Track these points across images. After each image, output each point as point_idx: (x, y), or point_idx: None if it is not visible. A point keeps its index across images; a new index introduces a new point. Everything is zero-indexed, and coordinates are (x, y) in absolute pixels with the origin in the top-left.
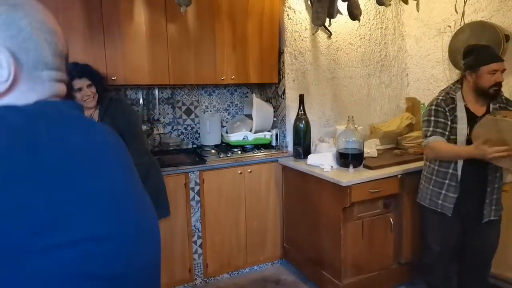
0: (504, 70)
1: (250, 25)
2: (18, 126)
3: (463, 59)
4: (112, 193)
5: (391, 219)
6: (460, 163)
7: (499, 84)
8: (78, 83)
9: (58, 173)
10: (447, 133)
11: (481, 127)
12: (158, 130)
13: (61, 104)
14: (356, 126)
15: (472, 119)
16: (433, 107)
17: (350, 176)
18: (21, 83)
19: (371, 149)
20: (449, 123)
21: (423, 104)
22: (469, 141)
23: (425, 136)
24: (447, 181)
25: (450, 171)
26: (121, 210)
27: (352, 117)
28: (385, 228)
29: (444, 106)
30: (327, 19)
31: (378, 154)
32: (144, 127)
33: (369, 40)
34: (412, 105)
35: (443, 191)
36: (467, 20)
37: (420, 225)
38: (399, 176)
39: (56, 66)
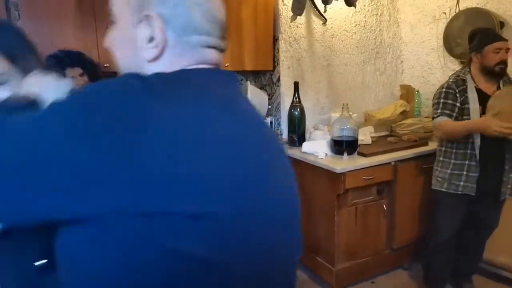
0: (508, 49)
1: (245, 12)
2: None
3: (469, 44)
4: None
5: (384, 206)
6: (477, 142)
7: (504, 62)
8: (70, 72)
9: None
10: (454, 114)
11: (495, 99)
12: None
13: (209, 72)
14: (350, 113)
15: (484, 99)
16: (444, 90)
17: (344, 163)
18: (170, 48)
19: (365, 136)
20: (458, 104)
21: (417, 91)
22: None
23: (433, 118)
24: (467, 162)
25: (469, 151)
26: (239, 191)
27: (347, 104)
28: (378, 214)
29: (454, 87)
30: (323, 5)
31: (372, 141)
32: None
33: (364, 26)
34: (407, 92)
35: (464, 172)
36: (462, 6)
37: (430, 212)
38: (392, 163)
39: (207, 31)
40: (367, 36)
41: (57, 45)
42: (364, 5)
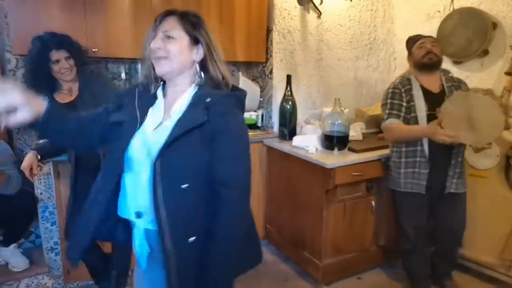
0: (433, 42)
1: (238, 1)
2: None
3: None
4: None
5: (372, 202)
6: (425, 139)
7: (430, 52)
8: (55, 54)
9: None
10: (402, 114)
11: (450, 102)
12: None
13: None
14: (342, 108)
15: (428, 96)
16: (390, 90)
17: (334, 159)
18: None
19: (356, 132)
20: (404, 104)
21: None
22: (431, 117)
23: (383, 120)
24: (418, 158)
25: (418, 148)
26: None
27: (339, 99)
28: (366, 210)
29: (400, 87)
30: None
31: (363, 137)
32: None
33: (358, 22)
34: None
35: (416, 169)
36: (457, 5)
37: (395, 212)
38: (382, 160)
39: None
40: (361, 32)
41: (43, 27)
42: (359, 0)
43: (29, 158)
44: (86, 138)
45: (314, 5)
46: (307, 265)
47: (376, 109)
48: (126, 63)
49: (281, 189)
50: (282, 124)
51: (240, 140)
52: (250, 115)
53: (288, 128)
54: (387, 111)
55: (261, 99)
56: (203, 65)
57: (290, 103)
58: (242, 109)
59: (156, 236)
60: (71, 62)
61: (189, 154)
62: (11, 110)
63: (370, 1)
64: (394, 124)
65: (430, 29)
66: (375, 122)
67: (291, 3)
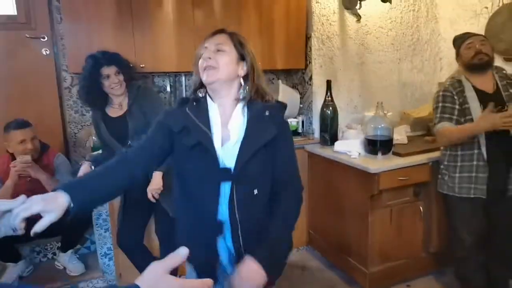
0: (482, 41)
1: (277, 10)
2: None
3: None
4: None
5: (420, 207)
6: (482, 140)
7: (480, 52)
8: (106, 70)
9: None
10: (454, 117)
11: None
12: None
13: None
14: (385, 112)
15: (483, 96)
16: (441, 93)
17: (378, 163)
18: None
19: (401, 135)
20: (457, 106)
21: None
22: None
23: (434, 124)
24: (475, 162)
25: (475, 151)
26: None
27: (381, 103)
28: (414, 216)
29: (451, 90)
30: (358, 2)
31: (408, 141)
32: None
33: (400, 23)
34: None
35: (473, 174)
36: (506, 0)
37: (448, 217)
38: (430, 163)
39: None
40: (403, 33)
41: (95, 46)
42: (400, 1)
43: (84, 168)
44: (134, 171)
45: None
46: (353, 272)
47: (422, 111)
48: (171, 76)
49: (324, 194)
50: (323, 129)
51: (292, 142)
52: (290, 122)
53: (330, 134)
54: (438, 115)
55: (301, 105)
56: (246, 80)
57: (330, 108)
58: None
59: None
60: (121, 77)
61: (261, 164)
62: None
63: (412, 1)
64: (445, 127)
65: (477, 26)
66: (421, 125)
67: (329, 9)
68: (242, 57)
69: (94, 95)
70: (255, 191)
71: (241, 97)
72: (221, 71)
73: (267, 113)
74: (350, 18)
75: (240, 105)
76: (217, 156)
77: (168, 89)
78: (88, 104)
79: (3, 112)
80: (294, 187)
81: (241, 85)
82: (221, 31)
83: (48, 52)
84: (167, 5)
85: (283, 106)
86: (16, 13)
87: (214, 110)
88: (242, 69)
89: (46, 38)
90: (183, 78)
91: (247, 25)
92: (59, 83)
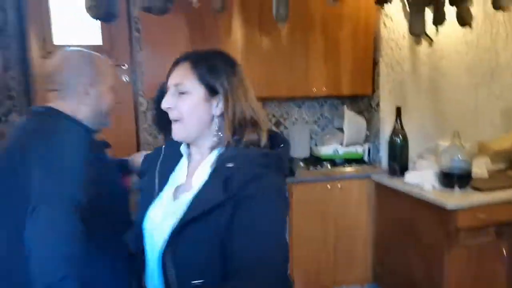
0: None
1: (344, 35)
2: None
3: None
4: None
5: (504, 250)
6: None
7: None
8: None
9: None
10: None
11: None
12: None
13: None
14: (462, 142)
15: None
16: None
17: (456, 199)
18: None
19: (480, 169)
20: None
21: None
22: None
23: None
24: None
25: None
26: None
27: (458, 132)
28: (495, 259)
29: None
30: (434, 26)
31: (488, 175)
32: None
33: (476, 47)
34: None
35: None
36: None
37: None
38: None
39: None
40: (480, 57)
41: None
42: (477, 23)
43: None
44: None
45: (426, 34)
46: None
47: (503, 142)
48: None
49: (392, 229)
50: (392, 158)
51: (267, 206)
52: (356, 149)
53: (399, 163)
54: None
55: (368, 132)
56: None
57: (400, 136)
58: (280, 169)
59: None
60: None
61: (204, 243)
62: None
63: (490, 23)
64: None
65: None
66: (502, 157)
67: (398, 34)
68: (214, 90)
69: (163, 120)
70: (196, 282)
71: (215, 141)
72: (188, 124)
73: (229, 165)
74: (421, 43)
75: (213, 153)
76: (144, 217)
77: None
78: (158, 128)
79: None
80: (265, 280)
81: (217, 127)
82: (182, 58)
83: (127, 79)
84: (236, 33)
85: (269, 155)
86: (102, 43)
87: (185, 154)
88: (218, 107)
89: (126, 66)
90: None
91: (314, 50)
92: (135, 107)
